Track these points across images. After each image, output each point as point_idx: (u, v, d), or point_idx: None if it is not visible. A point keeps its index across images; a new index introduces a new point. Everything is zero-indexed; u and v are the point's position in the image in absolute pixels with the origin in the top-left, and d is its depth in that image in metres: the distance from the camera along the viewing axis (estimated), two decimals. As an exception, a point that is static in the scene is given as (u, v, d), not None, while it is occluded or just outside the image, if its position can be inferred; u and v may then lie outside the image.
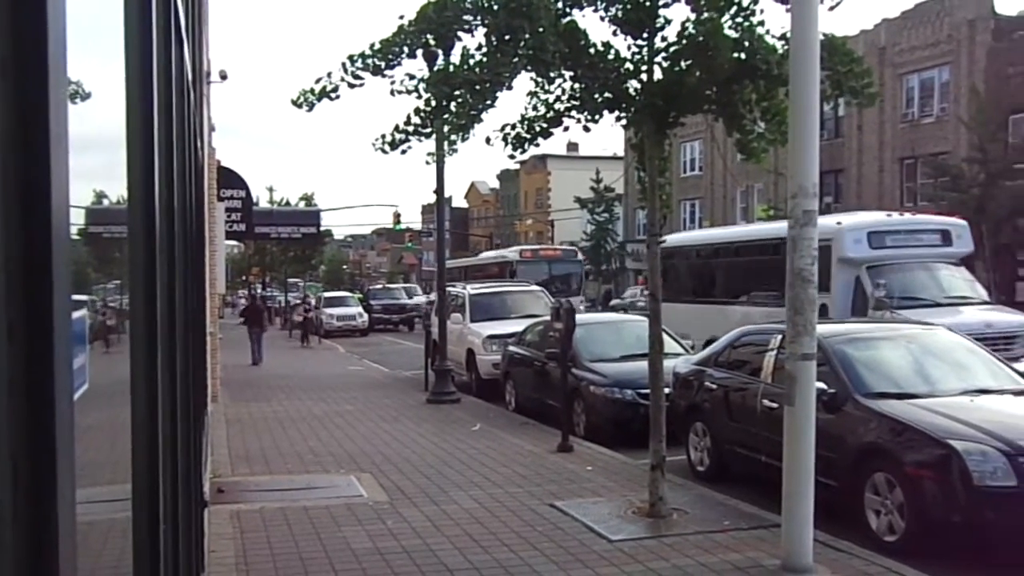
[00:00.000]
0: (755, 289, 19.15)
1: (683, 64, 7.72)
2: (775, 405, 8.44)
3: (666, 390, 9.33)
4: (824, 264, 16.64)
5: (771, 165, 37.30)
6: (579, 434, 12.73)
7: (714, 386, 10.48)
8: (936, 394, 8.31)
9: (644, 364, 8.70)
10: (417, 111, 7.59)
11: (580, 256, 40.04)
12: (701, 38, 7.37)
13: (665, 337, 9.84)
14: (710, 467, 10.33)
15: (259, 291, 58.44)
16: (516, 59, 7.27)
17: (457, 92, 7.46)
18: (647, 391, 8.67)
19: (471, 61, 7.39)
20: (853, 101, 8.02)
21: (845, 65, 7.63)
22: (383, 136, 7.73)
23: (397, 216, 68.17)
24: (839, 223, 17.28)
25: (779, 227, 19.16)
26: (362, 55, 7.40)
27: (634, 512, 8.33)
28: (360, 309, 43.29)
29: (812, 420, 6.61)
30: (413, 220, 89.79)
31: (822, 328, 7.89)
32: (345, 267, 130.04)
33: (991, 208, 31.57)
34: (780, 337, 8.70)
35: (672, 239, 26.82)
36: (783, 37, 7.33)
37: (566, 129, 8.08)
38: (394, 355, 29.65)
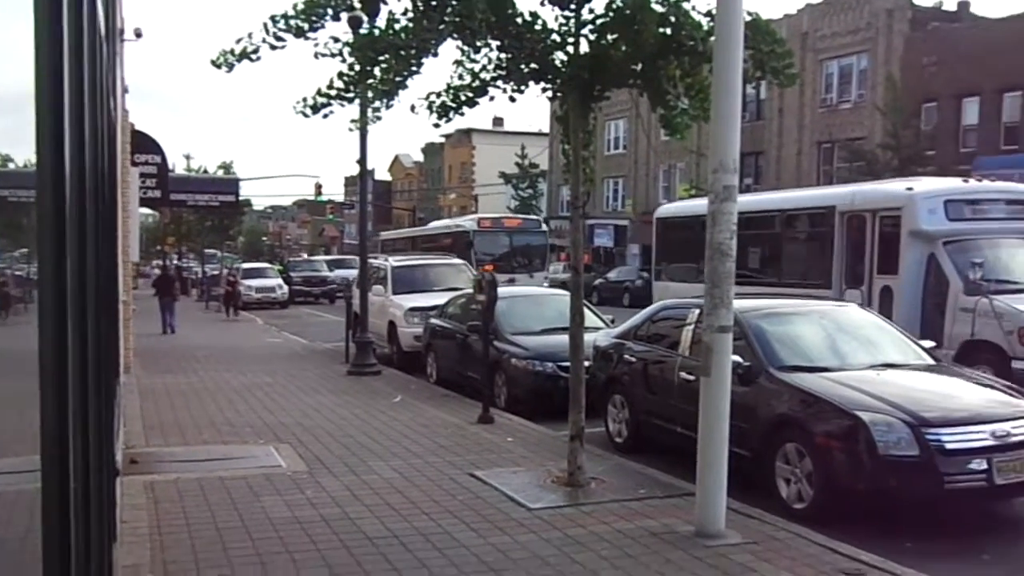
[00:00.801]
0: (792, 270, 16.62)
1: (610, 37, 7.73)
2: (692, 377, 8.60)
3: (586, 363, 9.43)
4: (890, 239, 14.37)
5: (693, 145, 37.86)
6: (500, 406, 12.80)
7: (633, 359, 10.62)
8: (846, 368, 8.56)
9: (565, 337, 8.77)
10: (341, 75, 7.47)
11: (545, 227, 36.06)
12: (628, 11, 7.39)
13: (586, 311, 9.94)
14: (628, 438, 10.49)
15: (175, 261, 57.34)
16: (442, 26, 7.20)
17: (382, 57, 7.37)
18: (568, 364, 8.74)
19: (397, 26, 7.30)
20: (774, 81, 8.12)
21: (768, 45, 7.71)
22: (304, 99, 7.59)
23: (319, 187, 67.43)
24: (910, 188, 14.58)
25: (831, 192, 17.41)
26: (285, 16, 7.25)
27: (553, 481, 8.43)
28: (280, 281, 42.81)
29: (727, 391, 6.75)
30: (335, 192, 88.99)
31: (738, 303, 8.04)
32: (265, 238, 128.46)
33: (903, 192, 32.48)
34: (698, 311, 8.86)
35: (676, 208, 22.90)
36: (709, 14, 7.38)
37: (492, 99, 8.04)
38: (314, 327, 29.36)
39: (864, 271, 14.83)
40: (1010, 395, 8.33)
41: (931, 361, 9.16)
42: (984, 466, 7.26)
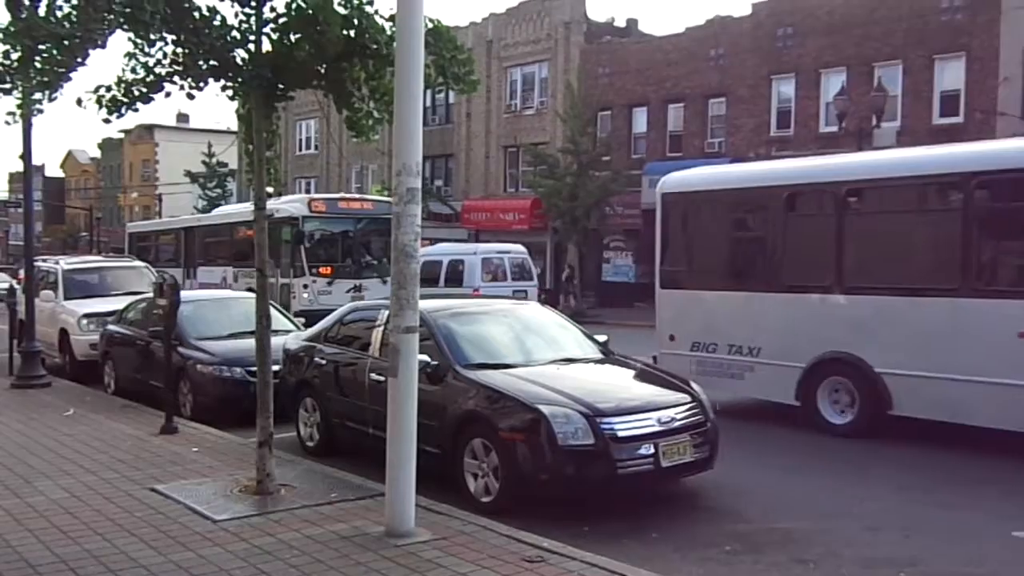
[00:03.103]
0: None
1: (292, 37, 7.60)
2: (382, 378, 8.65)
3: (276, 367, 9.23)
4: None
5: (383, 147, 38.12)
6: (186, 415, 12.27)
7: (324, 362, 10.53)
8: (529, 364, 8.95)
9: (253, 341, 8.54)
10: (-7, 63, 6.81)
11: None
12: (310, 12, 7.30)
13: (275, 313, 9.75)
14: (320, 442, 10.39)
15: None
16: (111, 15, 6.75)
17: (42, 46, 6.79)
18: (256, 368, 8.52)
19: (59, 13, 6.76)
20: (455, 87, 8.32)
21: (449, 52, 7.91)
22: (-50, 88, 6.85)
23: (-22, 183, 61.13)
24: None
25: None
26: (-82, -7, 6.48)
27: (240, 491, 8.18)
28: (-75, 288, 38.41)
29: (414, 390, 6.86)
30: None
31: (426, 304, 8.21)
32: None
33: (582, 195, 34.91)
34: (387, 313, 8.93)
35: (704, 176, 14.30)
36: (392, 18, 7.45)
37: (168, 95, 7.65)
38: (-27, 338, 26.58)
39: None
40: (673, 384, 9.08)
41: (604, 356, 9.79)
42: (651, 451, 7.86)
